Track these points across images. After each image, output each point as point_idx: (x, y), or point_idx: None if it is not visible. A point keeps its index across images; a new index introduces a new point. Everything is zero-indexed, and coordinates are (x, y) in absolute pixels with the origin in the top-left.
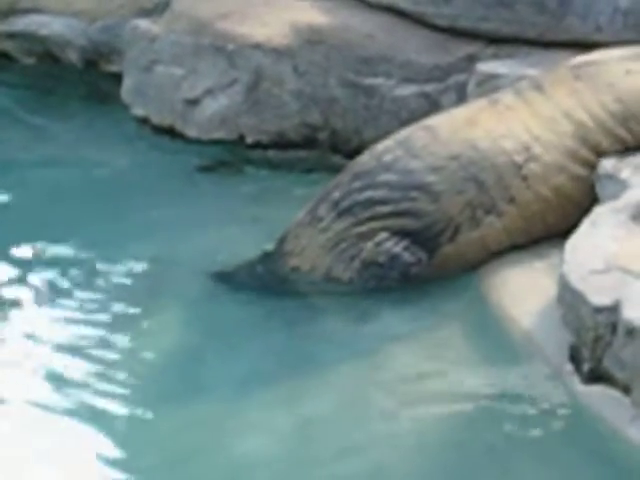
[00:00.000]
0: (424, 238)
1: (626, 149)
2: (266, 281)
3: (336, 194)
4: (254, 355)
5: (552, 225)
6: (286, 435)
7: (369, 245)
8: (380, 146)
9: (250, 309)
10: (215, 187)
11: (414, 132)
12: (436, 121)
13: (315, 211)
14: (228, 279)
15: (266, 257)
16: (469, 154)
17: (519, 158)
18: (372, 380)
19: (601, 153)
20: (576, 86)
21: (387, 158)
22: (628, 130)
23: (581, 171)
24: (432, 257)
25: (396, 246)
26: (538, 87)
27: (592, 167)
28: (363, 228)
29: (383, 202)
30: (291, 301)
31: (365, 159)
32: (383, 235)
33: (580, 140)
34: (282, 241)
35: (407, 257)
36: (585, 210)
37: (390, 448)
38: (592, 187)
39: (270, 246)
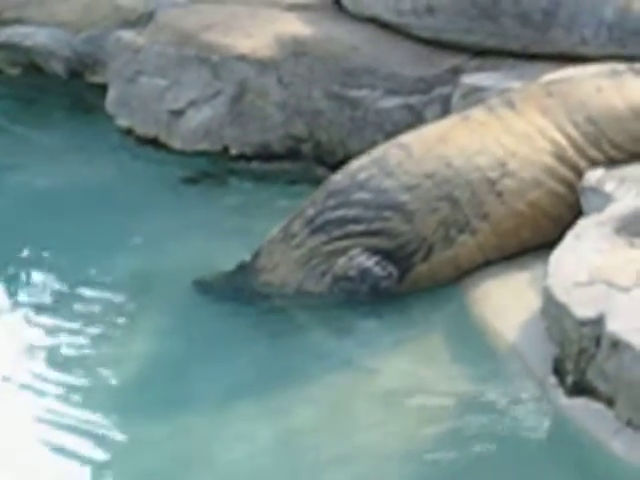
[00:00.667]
0: (397, 258)
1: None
2: (243, 294)
3: (310, 211)
4: (238, 367)
5: (526, 241)
6: (270, 446)
7: (341, 260)
8: (355, 164)
9: (234, 321)
10: (199, 199)
11: (388, 150)
12: (410, 138)
13: (289, 228)
14: (206, 289)
15: (241, 270)
16: (443, 172)
17: (493, 174)
18: (355, 392)
19: (580, 173)
20: (548, 104)
21: (361, 176)
22: (601, 151)
23: (559, 188)
24: (405, 276)
25: (367, 260)
26: (509, 103)
27: (570, 185)
28: (335, 245)
29: (356, 221)
30: (274, 313)
31: (339, 177)
32: (355, 250)
33: (558, 158)
34: (256, 256)
35: (378, 271)
36: (562, 227)
37: (373, 460)
38: (570, 204)
39: (249, 258)
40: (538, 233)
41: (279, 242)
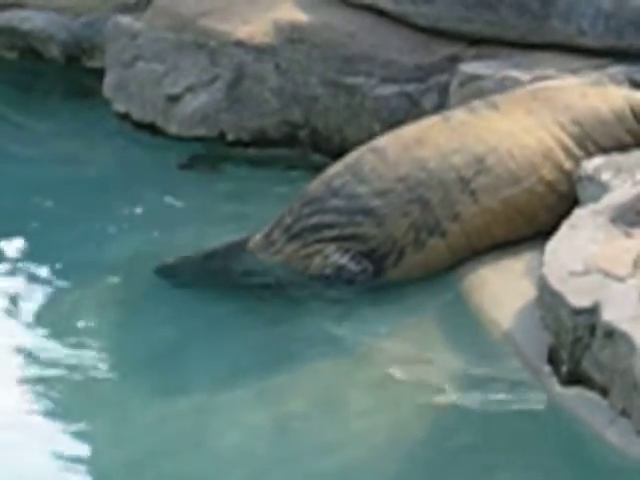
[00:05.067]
0: (370, 261)
1: None
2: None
3: (288, 220)
4: (231, 353)
5: (499, 238)
6: (264, 432)
7: (316, 260)
8: (330, 171)
9: (227, 308)
10: (195, 184)
11: (363, 155)
12: (385, 142)
13: (269, 235)
14: (169, 274)
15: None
16: (416, 174)
17: (468, 172)
18: (350, 378)
19: (564, 173)
20: (533, 106)
21: (336, 183)
22: (586, 152)
23: (538, 187)
24: (378, 278)
25: (342, 258)
26: (493, 106)
27: (550, 185)
28: (310, 249)
29: (330, 226)
30: (271, 299)
31: (316, 185)
32: (329, 249)
33: (542, 156)
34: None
35: (352, 266)
36: (536, 226)
37: (367, 446)
38: (548, 205)
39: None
40: (510, 231)
41: (261, 249)
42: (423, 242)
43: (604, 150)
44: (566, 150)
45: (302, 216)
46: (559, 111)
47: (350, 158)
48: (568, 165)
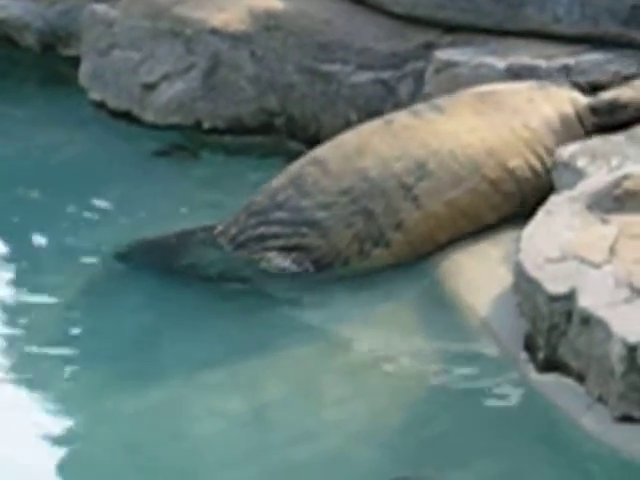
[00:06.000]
0: (316, 268)
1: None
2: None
3: (233, 230)
4: (207, 341)
5: (443, 242)
6: (240, 421)
7: (262, 264)
8: (274, 183)
9: (202, 295)
10: (170, 172)
11: (305, 168)
12: (327, 152)
13: (218, 240)
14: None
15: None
16: (359, 185)
17: (410, 179)
18: (326, 366)
19: (510, 173)
20: (482, 108)
21: (280, 197)
22: (536, 156)
23: (482, 186)
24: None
25: (284, 261)
26: (438, 108)
27: (495, 184)
28: (256, 257)
29: (275, 237)
30: (245, 287)
31: (260, 198)
32: (272, 254)
33: (487, 154)
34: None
35: (295, 268)
36: (481, 227)
37: (344, 434)
38: (493, 205)
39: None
40: (455, 235)
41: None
42: (367, 253)
43: (554, 153)
44: (512, 149)
45: (247, 227)
46: (507, 114)
47: (293, 169)
48: (513, 163)
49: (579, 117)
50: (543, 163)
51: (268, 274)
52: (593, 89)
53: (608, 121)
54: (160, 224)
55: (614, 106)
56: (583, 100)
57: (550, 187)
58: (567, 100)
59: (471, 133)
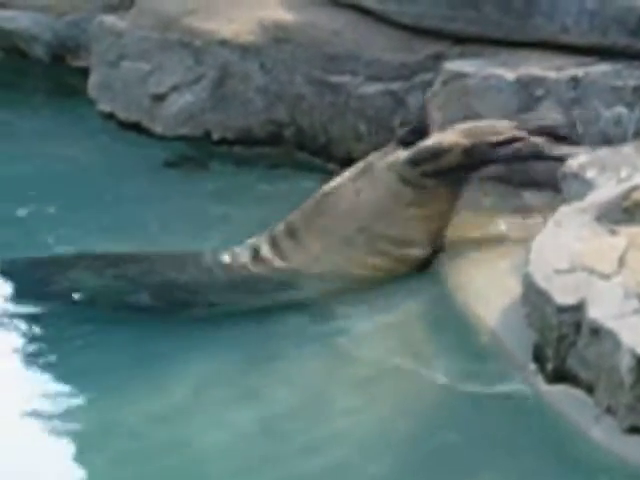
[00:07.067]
0: None
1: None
2: None
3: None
4: (216, 351)
5: None
6: (249, 432)
7: None
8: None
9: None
10: (180, 183)
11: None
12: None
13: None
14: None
15: None
16: None
17: None
18: (334, 377)
19: (373, 267)
20: (322, 223)
21: None
22: (382, 252)
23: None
24: None
25: None
26: (291, 234)
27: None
28: None
29: None
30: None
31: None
32: None
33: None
34: None
35: None
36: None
37: (352, 445)
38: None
39: None
40: None
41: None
42: None
43: (397, 240)
44: (360, 260)
45: None
46: (344, 224)
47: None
48: (372, 262)
49: (403, 179)
50: (392, 250)
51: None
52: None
53: (436, 167)
54: (169, 235)
55: (436, 151)
56: (403, 158)
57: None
58: (388, 171)
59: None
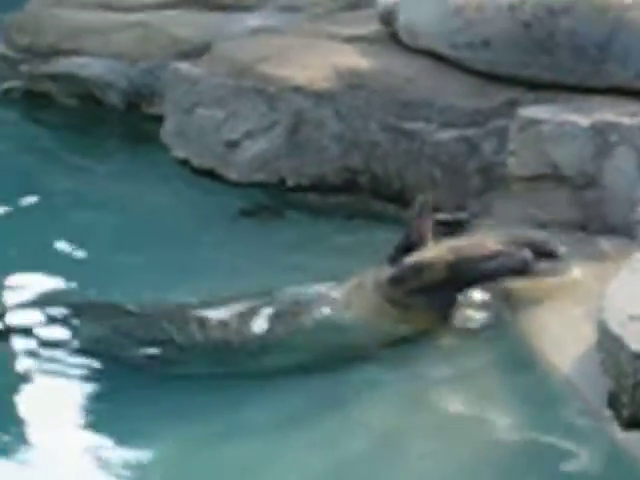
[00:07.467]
0: None
1: None
2: None
3: None
4: (290, 397)
5: None
6: (321, 477)
7: None
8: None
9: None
10: (255, 232)
11: None
12: None
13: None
14: None
15: None
16: None
17: None
18: (408, 423)
19: None
20: None
21: None
22: None
23: None
24: None
25: None
26: None
27: None
28: None
29: None
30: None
31: None
32: None
33: None
34: None
35: None
36: None
37: None
38: None
39: None
40: None
41: None
42: None
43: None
44: None
45: None
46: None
47: None
48: None
49: (388, 299)
50: None
51: None
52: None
53: (420, 284)
54: (242, 286)
55: (419, 267)
56: (386, 277)
57: None
58: (376, 290)
59: None
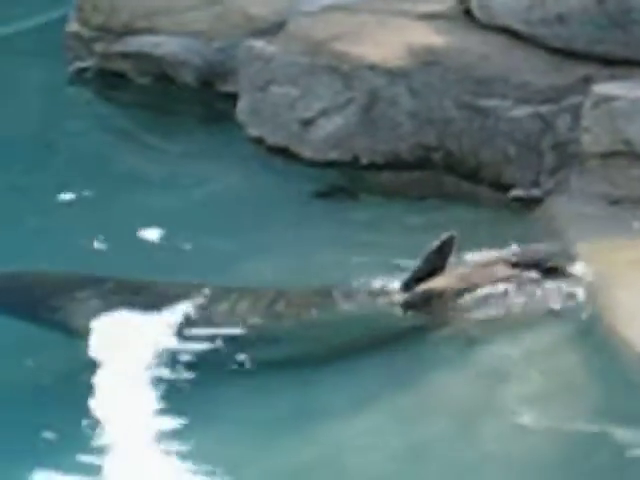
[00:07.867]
0: None
1: None
2: None
3: None
4: (364, 378)
5: None
6: (398, 455)
7: None
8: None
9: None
10: (328, 212)
11: None
12: None
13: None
14: None
15: None
16: None
17: None
18: (485, 402)
19: None
20: None
21: None
22: None
23: None
24: None
25: None
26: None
27: None
28: None
29: None
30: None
31: None
32: None
33: None
34: None
35: None
36: None
37: (503, 470)
38: None
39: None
40: None
41: None
42: None
43: None
44: None
45: None
46: None
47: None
48: None
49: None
50: None
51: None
52: None
53: (430, 312)
54: (315, 265)
55: (427, 297)
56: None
57: None
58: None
59: None
